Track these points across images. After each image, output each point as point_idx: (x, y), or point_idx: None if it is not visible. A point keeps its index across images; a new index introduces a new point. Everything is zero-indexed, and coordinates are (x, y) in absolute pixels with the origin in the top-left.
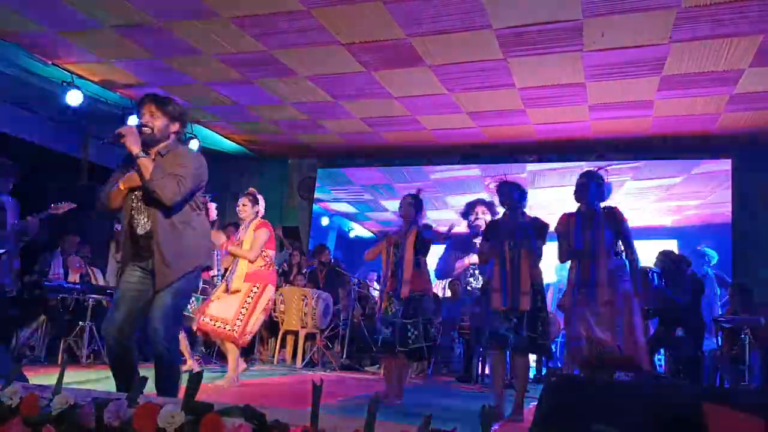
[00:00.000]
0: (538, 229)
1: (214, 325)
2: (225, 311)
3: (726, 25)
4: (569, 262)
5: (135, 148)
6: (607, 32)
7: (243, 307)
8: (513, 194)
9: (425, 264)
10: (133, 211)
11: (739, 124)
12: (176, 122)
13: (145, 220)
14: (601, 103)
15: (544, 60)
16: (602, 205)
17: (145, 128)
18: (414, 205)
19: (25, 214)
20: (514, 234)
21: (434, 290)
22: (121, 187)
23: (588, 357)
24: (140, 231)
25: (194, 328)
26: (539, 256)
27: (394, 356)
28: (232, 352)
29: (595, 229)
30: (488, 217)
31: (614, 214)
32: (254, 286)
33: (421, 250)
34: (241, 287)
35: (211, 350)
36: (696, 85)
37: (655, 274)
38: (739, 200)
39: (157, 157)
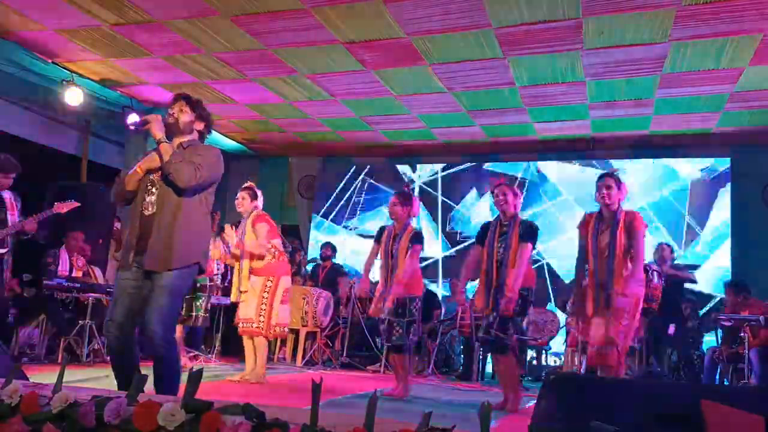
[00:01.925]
0: (529, 233)
1: (244, 326)
2: (247, 311)
3: (726, 23)
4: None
5: (158, 134)
6: (606, 30)
7: (262, 303)
8: (507, 197)
9: (417, 265)
10: (145, 194)
11: (740, 122)
12: (202, 122)
13: (154, 202)
14: (601, 102)
15: (544, 58)
16: (624, 208)
17: (170, 118)
18: (401, 204)
19: (26, 213)
20: (505, 237)
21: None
22: (138, 170)
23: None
24: (147, 212)
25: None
26: (529, 258)
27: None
28: (261, 349)
29: (613, 231)
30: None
31: (634, 220)
32: (268, 280)
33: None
34: (248, 287)
35: (211, 348)
36: (696, 84)
37: (655, 273)
38: (738, 198)
39: (179, 148)
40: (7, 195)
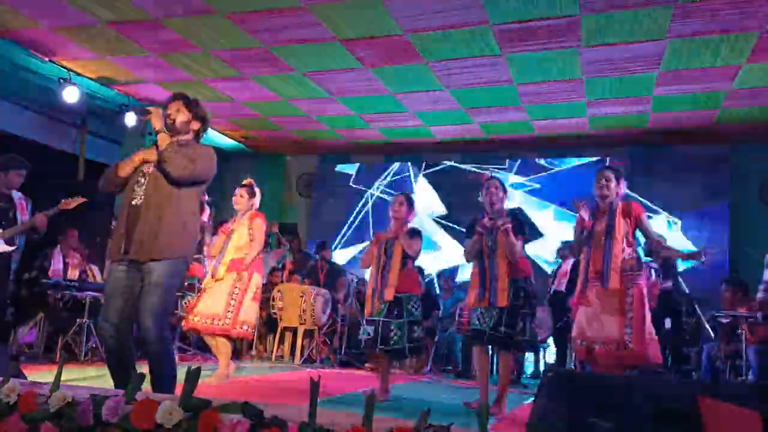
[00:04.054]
0: (518, 225)
1: (204, 322)
2: (213, 306)
3: (723, 20)
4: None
5: (158, 124)
6: (604, 28)
7: (232, 299)
8: (499, 192)
9: (413, 264)
10: (135, 184)
11: (737, 119)
12: (198, 121)
13: (143, 192)
14: (598, 99)
15: (541, 56)
16: (619, 199)
17: (167, 119)
18: (405, 204)
19: (32, 213)
20: (494, 232)
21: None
22: (135, 158)
23: (591, 354)
24: (135, 202)
25: (183, 326)
26: (520, 251)
27: (378, 354)
28: (224, 349)
29: (610, 219)
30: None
31: (631, 207)
32: (241, 275)
33: (414, 252)
34: (224, 276)
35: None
36: (694, 81)
37: (652, 270)
38: (736, 195)
39: (176, 144)
40: (17, 195)
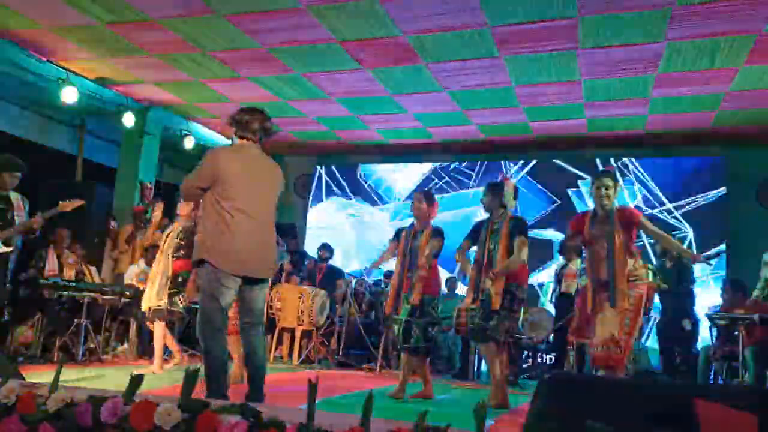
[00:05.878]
0: (519, 228)
1: None
2: None
3: (721, 23)
4: (584, 261)
5: None
6: (602, 30)
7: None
8: (500, 197)
9: (436, 265)
10: None
11: (735, 121)
12: (231, 126)
13: None
14: (597, 101)
15: (540, 57)
16: (616, 205)
17: None
18: (425, 201)
19: (30, 213)
20: (496, 235)
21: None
22: None
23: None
24: None
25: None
26: (520, 255)
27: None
28: (236, 347)
29: (610, 228)
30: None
31: (629, 213)
32: None
33: (434, 251)
34: None
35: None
36: (691, 83)
37: (650, 272)
38: (733, 197)
39: None
40: (15, 195)
